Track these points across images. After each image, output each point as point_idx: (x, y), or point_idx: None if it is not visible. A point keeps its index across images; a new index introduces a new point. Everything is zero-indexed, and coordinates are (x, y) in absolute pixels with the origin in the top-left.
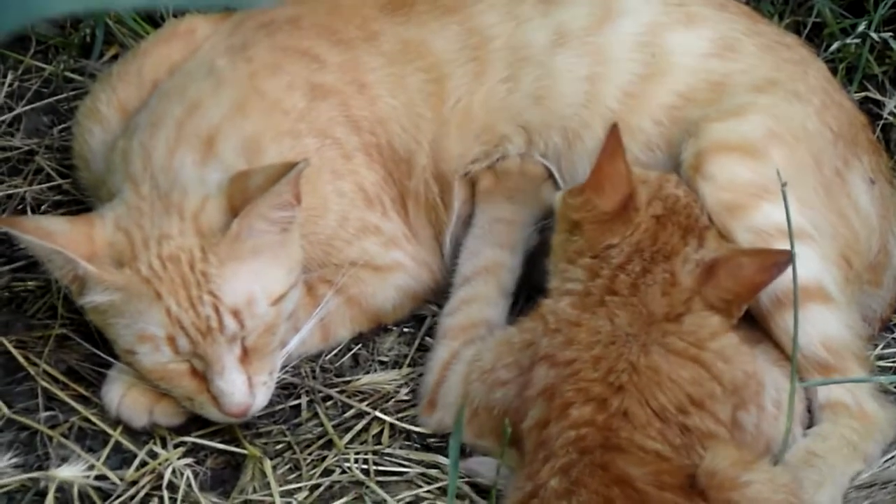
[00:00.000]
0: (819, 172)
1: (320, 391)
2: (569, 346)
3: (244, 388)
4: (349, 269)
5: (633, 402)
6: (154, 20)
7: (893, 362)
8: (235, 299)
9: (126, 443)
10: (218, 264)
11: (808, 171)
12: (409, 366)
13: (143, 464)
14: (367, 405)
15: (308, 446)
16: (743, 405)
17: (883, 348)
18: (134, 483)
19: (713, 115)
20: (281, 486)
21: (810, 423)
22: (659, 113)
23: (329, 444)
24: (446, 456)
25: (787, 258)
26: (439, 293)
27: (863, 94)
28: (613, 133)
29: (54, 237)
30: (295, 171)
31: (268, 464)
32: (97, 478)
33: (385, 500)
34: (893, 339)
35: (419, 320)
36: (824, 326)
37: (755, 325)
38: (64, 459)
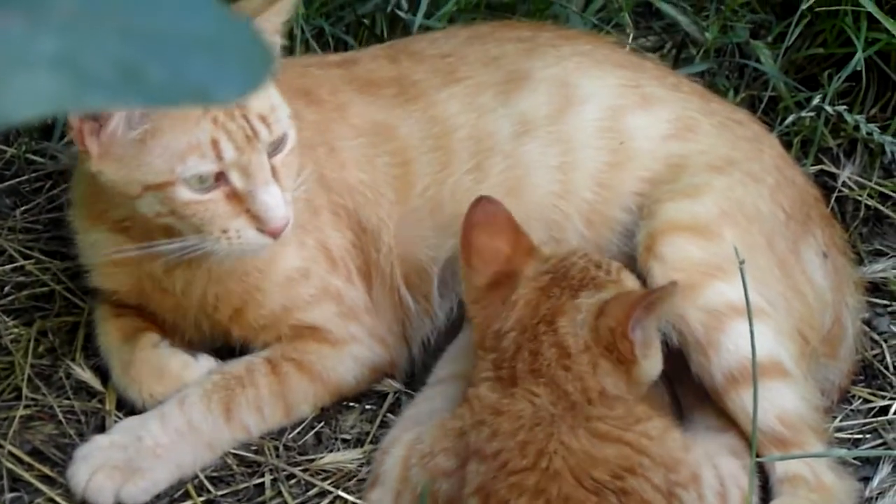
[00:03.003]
0: (772, 251)
1: (284, 469)
2: (494, 438)
3: (284, 201)
4: (305, 343)
5: (570, 487)
6: None
7: (852, 433)
8: (259, 106)
9: None
10: None
11: (761, 251)
12: (371, 443)
13: None
14: (330, 484)
15: None
16: (679, 484)
17: (841, 420)
18: None
19: (666, 196)
20: None
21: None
22: (629, 201)
23: None
24: None
25: (671, 287)
26: (398, 369)
27: (818, 167)
28: (479, 204)
29: None
30: None
31: None
32: None
33: None
34: (852, 410)
35: (381, 397)
36: (780, 401)
37: (720, 413)
38: None
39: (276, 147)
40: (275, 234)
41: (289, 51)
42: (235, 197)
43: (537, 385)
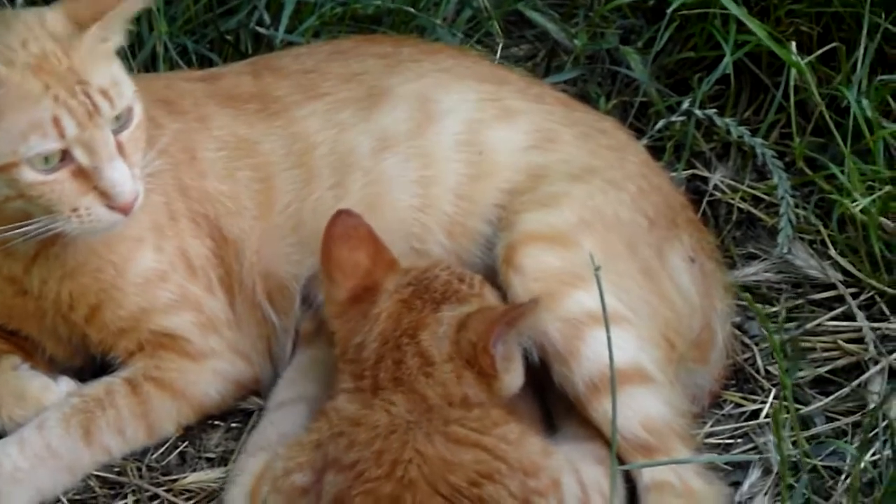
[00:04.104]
0: (634, 257)
1: (147, 490)
2: (351, 449)
3: (131, 176)
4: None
5: (425, 495)
6: None
7: (723, 438)
8: (101, 81)
9: None
10: (80, 61)
11: (621, 258)
12: (235, 462)
13: None
14: None
15: None
16: (537, 491)
17: (713, 425)
18: None
19: (525, 206)
20: None
21: None
22: (490, 213)
23: None
24: None
25: (533, 304)
26: (263, 386)
27: (690, 171)
28: (339, 218)
29: None
30: None
31: None
32: None
33: None
34: (723, 415)
35: (247, 415)
36: (644, 408)
37: (587, 423)
38: None
39: (122, 123)
40: (125, 210)
41: (152, 68)
42: (82, 174)
43: (395, 394)
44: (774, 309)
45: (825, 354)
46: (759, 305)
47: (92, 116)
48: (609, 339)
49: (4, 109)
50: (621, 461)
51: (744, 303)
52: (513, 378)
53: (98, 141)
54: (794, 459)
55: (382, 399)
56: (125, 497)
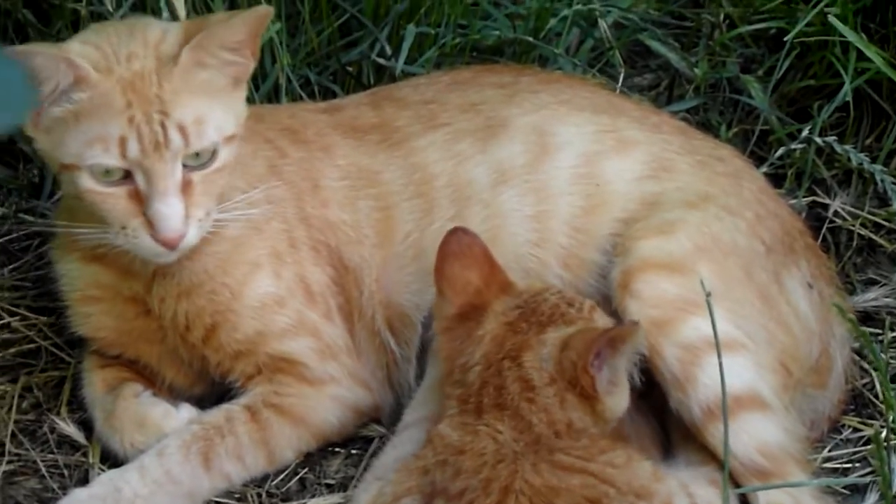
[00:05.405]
0: (751, 283)
1: None
2: (457, 477)
3: (181, 215)
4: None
5: None
6: None
7: (841, 463)
8: (183, 116)
9: None
10: (171, 91)
11: (739, 284)
12: (355, 488)
13: None
14: None
15: None
16: None
17: (831, 450)
18: None
19: (641, 233)
20: None
21: None
22: (605, 242)
23: None
24: None
25: (634, 325)
26: (384, 413)
27: (811, 198)
28: (454, 235)
29: (41, 49)
30: (254, 15)
31: None
32: None
33: None
34: (841, 440)
35: (367, 441)
36: (760, 433)
37: (703, 448)
38: None
39: (201, 162)
40: (166, 245)
41: (275, 100)
42: (137, 197)
43: (501, 420)
44: (894, 334)
45: None
46: (864, 329)
47: (158, 147)
48: (720, 364)
49: (85, 113)
50: (737, 486)
51: (864, 328)
52: (616, 401)
53: (157, 172)
54: None
55: (488, 425)
56: None
